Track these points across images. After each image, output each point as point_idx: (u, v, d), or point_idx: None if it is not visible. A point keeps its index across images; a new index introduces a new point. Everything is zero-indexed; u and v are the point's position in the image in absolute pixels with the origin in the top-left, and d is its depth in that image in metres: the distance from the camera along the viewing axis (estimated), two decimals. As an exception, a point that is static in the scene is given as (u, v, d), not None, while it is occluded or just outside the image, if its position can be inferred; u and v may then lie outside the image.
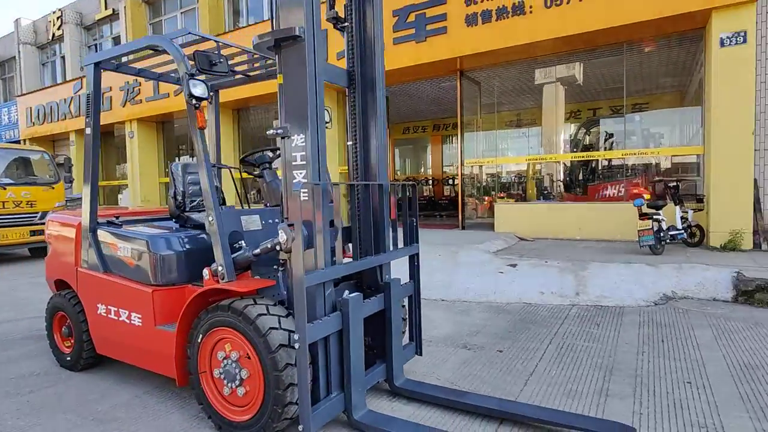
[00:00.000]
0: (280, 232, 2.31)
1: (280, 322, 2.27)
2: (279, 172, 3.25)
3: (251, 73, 3.68)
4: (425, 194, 15.78)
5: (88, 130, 3.19)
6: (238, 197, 4.00)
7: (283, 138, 2.44)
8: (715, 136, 6.55)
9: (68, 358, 3.35)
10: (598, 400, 2.75)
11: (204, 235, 2.96)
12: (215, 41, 2.94)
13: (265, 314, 2.28)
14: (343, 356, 2.43)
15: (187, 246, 2.96)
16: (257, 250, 2.48)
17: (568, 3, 7.34)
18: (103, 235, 3.14)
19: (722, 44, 6.45)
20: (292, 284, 2.41)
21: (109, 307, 3.03)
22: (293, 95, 2.37)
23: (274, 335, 2.22)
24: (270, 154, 3.23)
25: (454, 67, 9.28)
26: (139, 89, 13.52)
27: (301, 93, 2.34)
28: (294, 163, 2.39)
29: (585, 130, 11.12)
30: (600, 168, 9.73)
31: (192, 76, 2.50)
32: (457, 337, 3.95)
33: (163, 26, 14.96)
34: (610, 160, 9.33)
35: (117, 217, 3.35)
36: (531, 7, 7.61)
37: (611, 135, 9.87)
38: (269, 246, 2.41)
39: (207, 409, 2.47)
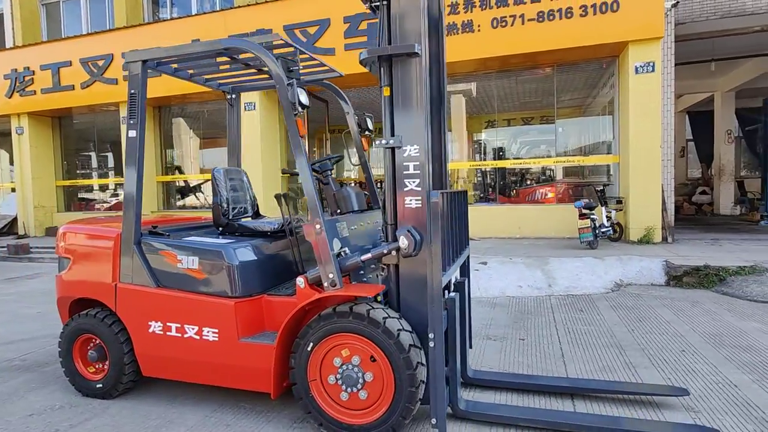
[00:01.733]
0: (401, 237, 2.43)
1: (402, 324, 2.39)
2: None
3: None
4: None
5: (133, 133, 2.91)
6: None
7: (390, 148, 2.55)
8: (632, 148, 7.81)
9: (99, 386, 3.00)
10: (630, 371, 3.27)
11: (260, 242, 2.89)
12: (294, 46, 2.90)
13: (389, 317, 2.38)
14: (448, 352, 2.60)
15: (260, 255, 2.88)
16: (368, 255, 2.54)
17: (512, 25, 8.15)
18: (154, 247, 2.89)
19: (636, 71, 7.71)
20: (396, 287, 2.55)
21: (168, 324, 2.81)
22: (406, 107, 2.49)
23: (404, 336, 2.34)
24: (329, 162, 3.25)
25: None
26: (32, 78, 11.75)
27: (416, 106, 2.48)
28: (406, 172, 2.51)
29: (511, 139, 12.27)
30: (528, 174, 10.86)
31: (292, 84, 2.48)
32: (476, 331, 4.29)
33: (60, 9, 13.16)
34: (544, 167, 10.47)
35: (155, 227, 3.10)
36: (479, 26, 8.30)
37: (528, 144, 11.10)
38: (385, 251, 2.50)
39: (318, 417, 2.47)
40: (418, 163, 2.50)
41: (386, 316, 2.38)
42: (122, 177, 12.85)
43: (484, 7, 8.31)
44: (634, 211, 7.87)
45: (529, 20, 8.06)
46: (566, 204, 8.92)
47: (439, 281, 2.29)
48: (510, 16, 8.17)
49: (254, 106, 10.10)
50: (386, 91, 2.57)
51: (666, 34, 7.58)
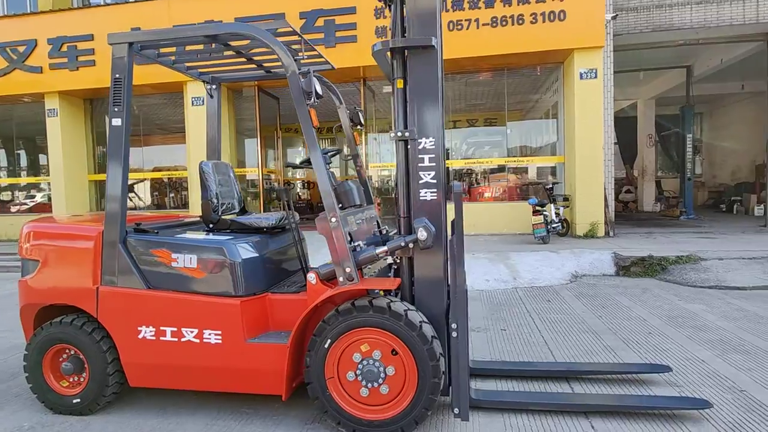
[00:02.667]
0: (419, 230, 2.43)
1: (421, 316, 2.39)
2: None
3: (276, 69, 3.49)
4: (303, 198, 15.65)
5: (118, 122, 2.65)
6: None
7: (402, 141, 2.54)
8: (578, 149, 8.36)
9: (76, 401, 2.71)
10: (610, 354, 3.51)
11: (259, 239, 2.77)
12: (300, 36, 2.79)
13: (410, 309, 2.38)
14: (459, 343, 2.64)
15: (262, 251, 2.75)
16: (384, 249, 2.51)
17: (467, 29, 8.42)
18: (142, 245, 2.66)
19: (581, 77, 8.27)
20: (409, 280, 2.55)
21: (162, 328, 2.60)
22: (420, 100, 2.50)
23: (426, 328, 2.34)
24: (326, 156, 3.16)
25: (358, 75, 9.67)
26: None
27: (431, 98, 2.49)
28: (421, 165, 2.52)
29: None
30: (479, 173, 11.23)
31: (309, 72, 2.40)
32: (457, 324, 4.38)
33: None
34: (495, 167, 10.92)
35: (139, 224, 2.86)
36: (436, 27, 8.49)
37: (478, 145, 11.53)
38: (402, 244, 2.48)
39: (336, 416, 2.40)
40: (433, 155, 2.51)
41: (407, 308, 2.38)
42: (41, 177, 11.71)
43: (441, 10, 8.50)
44: (580, 208, 8.43)
45: (483, 24, 8.36)
46: (516, 202, 9.36)
47: (463, 272, 2.32)
48: (465, 20, 8.44)
49: (203, 101, 9.59)
50: (399, 84, 2.56)
51: (606, 44, 8.19)
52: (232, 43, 2.94)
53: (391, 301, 2.38)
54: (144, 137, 11.48)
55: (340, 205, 3.00)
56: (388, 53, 2.61)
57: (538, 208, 7.89)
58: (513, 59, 8.80)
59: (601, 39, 8.02)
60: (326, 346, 2.39)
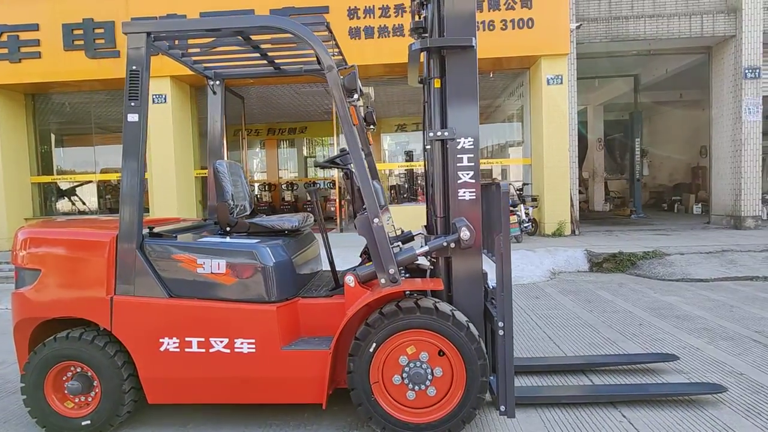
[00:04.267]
0: (462, 229, 2.43)
1: (465, 316, 2.40)
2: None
3: (287, 67, 3.37)
4: (264, 200, 15.20)
5: (133, 117, 2.44)
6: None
7: (439, 140, 2.54)
8: (545, 151, 8.71)
9: (85, 422, 2.46)
10: (614, 345, 3.67)
11: (284, 242, 2.66)
12: (330, 33, 2.69)
13: (455, 309, 2.37)
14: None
15: (292, 255, 2.64)
16: (424, 249, 2.48)
17: (403, 36, 8.50)
18: (162, 251, 2.47)
19: (548, 83, 8.64)
20: (447, 280, 2.55)
21: (187, 339, 2.43)
22: (459, 100, 2.50)
23: (472, 327, 2.34)
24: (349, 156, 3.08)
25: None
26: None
27: (469, 98, 2.50)
28: (459, 165, 2.52)
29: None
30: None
31: (354, 69, 2.34)
32: (458, 323, 4.42)
33: None
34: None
35: (152, 228, 2.65)
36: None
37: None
38: (444, 243, 2.46)
39: (380, 421, 2.34)
40: (471, 155, 2.52)
41: (453, 308, 2.37)
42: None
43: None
44: (548, 208, 8.79)
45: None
46: (487, 202, 9.60)
47: (509, 271, 2.34)
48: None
49: (165, 98, 9.10)
50: (437, 83, 2.55)
51: (570, 51, 8.61)
52: (253, 37, 2.80)
53: (437, 301, 2.36)
54: (96, 136, 10.71)
55: (364, 206, 2.96)
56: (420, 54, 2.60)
57: (511, 208, 8.14)
58: (481, 64, 9.03)
59: (567, 46, 8.42)
60: (371, 350, 2.33)
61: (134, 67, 2.43)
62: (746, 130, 8.83)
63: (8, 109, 9.61)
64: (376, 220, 2.40)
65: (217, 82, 3.39)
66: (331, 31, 2.78)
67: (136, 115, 2.45)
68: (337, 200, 9.91)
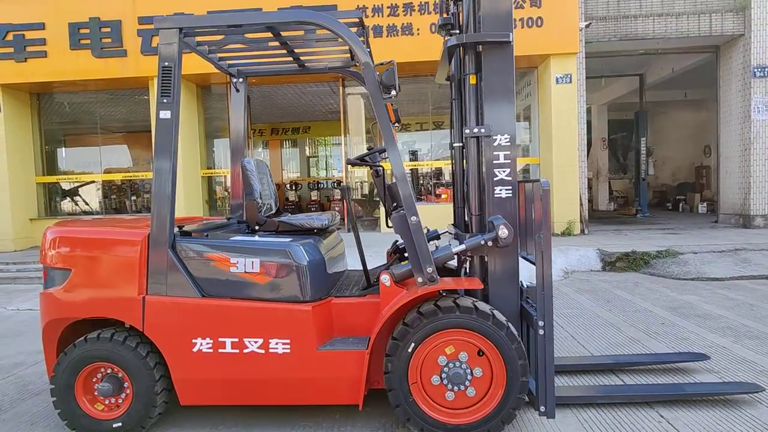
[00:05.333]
0: (500, 227, 2.39)
1: (504, 315, 2.36)
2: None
3: (312, 64, 3.33)
4: (313, 199, 14.90)
5: (165, 114, 2.40)
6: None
7: (474, 137, 2.50)
8: (555, 150, 8.69)
9: (117, 425, 2.42)
10: (639, 345, 3.65)
11: (315, 240, 2.62)
12: (364, 28, 2.65)
13: (494, 309, 2.34)
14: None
15: (325, 254, 2.61)
16: (461, 247, 2.45)
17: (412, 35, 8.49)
18: (194, 250, 2.43)
19: (557, 82, 8.62)
20: (483, 279, 2.52)
21: (221, 339, 2.39)
22: (495, 96, 2.47)
23: (511, 327, 2.31)
24: (378, 154, 3.05)
25: (336, 75, 9.50)
26: None
27: (506, 94, 2.47)
28: (496, 162, 2.48)
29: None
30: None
31: (393, 64, 2.30)
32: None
33: None
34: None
35: (181, 227, 2.61)
36: (419, 30, 8.53)
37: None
38: (482, 242, 2.43)
39: (419, 422, 2.30)
40: (508, 152, 2.49)
41: (491, 307, 2.34)
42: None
43: (422, 12, 8.56)
44: (557, 207, 8.76)
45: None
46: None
47: (550, 269, 2.31)
48: (447, 23, 8.53)
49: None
50: (472, 80, 2.52)
51: (579, 50, 8.59)
52: (283, 33, 2.76)
53: (476, 300, 2.33)
54: (101, 137, 10.64)
55: (395, 204, 2.92)
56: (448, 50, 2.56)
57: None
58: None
59: (576, 45, 8.40)
60: (410, 350, 2.29)
61: (166, 64, 2.39)
62: (755, 129, 8.82)
63: (14, 108, 9.55)
64: (413, 218, 2.36)
65: (240, 80, 3.35)
66: (364, 27, 2.75)
67: (168, 112, 2.41)
68: (346, 199, 9.86)
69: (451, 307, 2.29)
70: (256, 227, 2.84)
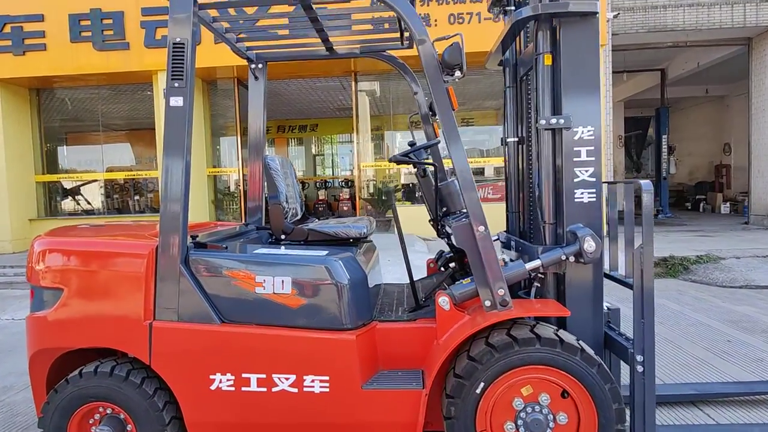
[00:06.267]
0: (586, 239, 1.96)
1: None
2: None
3: (341, 46, 2.89)
4: (320, 198, 14.40)
5: (177, 101, 1.97)
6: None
7: (549, 130, 2.07)
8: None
9: (118, 477, 2.00)
10: (710, 368, 3.20)
11: (352, 254, 2.18)
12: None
13: (580, 340, 1.91)
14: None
15: (366, 271, 2.18)
16: (536, 263, 2.01)
17: (468, 23, 8.06)
18: (212, 265, 2.00)
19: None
20: (562, 299, 2.09)
21: (244, 375, 1.96)
22: (576, 80, 2.03)
23: (603, 364, 1.88)
24: (423, 151, 2.61)
25: (349, 69, 9.08)
26: None
27: (590, 78, 2.04)
28: (576, 159, 2.05)
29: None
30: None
31: (460, 38, 1.87)
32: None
33: None
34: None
35: (195, 237, 2.19)
36: (436, 21, 8.08)
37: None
38: (563, 257, 2.00)
39: (489, 479, 1.88)
40: (592, 148, 2.06)
41: (577, 338, 1.91)
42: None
43: (441, 2, 8.11)
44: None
45: (485, 19, 8.05)
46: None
47: (651, 291, 1.88)
48: (467, 13, 8.10)
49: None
50: (548, 59, 2.08)
51: (606, 43, 8.13)
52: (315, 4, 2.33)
53: (559, 330, 1.90)
54: (103, 134, 10.25)
55: (445, 209, 2.49)
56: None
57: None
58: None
59: (604, 37, 7.93)
60: (478, 391, 1.86)
61: (178, 39, 1.96)
62: (792, 126, 8.36)
63: (12, 104, 9.14)
64: (481, 228, 1.93)
65: (260, 65, 2.92)
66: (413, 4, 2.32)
67: (180, 98, 1.98)
68: (357, 199, 9.42)
69: (530, 339, 1.85)
70: (282, 236, 2.41)
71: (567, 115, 2.04)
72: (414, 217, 9.03)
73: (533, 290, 2.16)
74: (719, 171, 14.48)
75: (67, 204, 10.54)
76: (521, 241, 2.41)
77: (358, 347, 1.95)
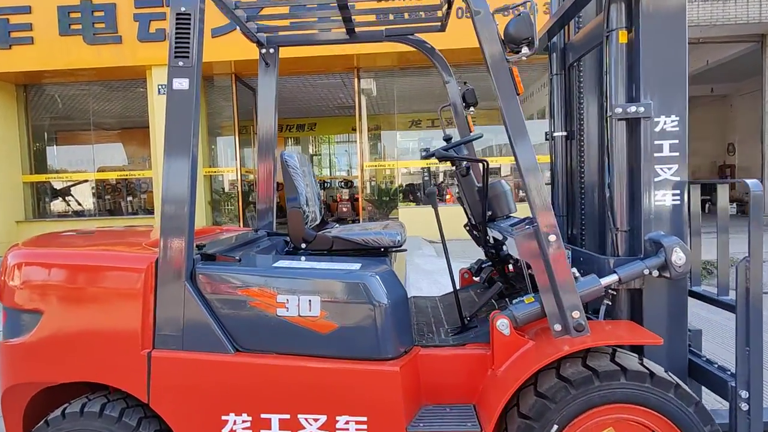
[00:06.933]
0: (675, 250, 1.64)
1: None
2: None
3: (363, 28, 2.56)
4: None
5: (181, 83, 1.63)
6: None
7: (624, 120, 1.75)
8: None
9: None
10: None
11: (387, 266, 1.85)
12: None
13: (668, 371, 1.59)
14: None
15: (402, 284, 1.85)
16: (613, 278, 1.69)
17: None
18: (223, 282, 1.66)
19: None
20: (639, 319, 1.77)
21: (263, 416, 1.62)
22: (660, 60, 1.71)
23: (701, 401, 1.56)
24: (463, 147, 2.28)
25: (351, 65, 8.74)
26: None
27: (675, 58, 1.72)
28: (658, 155, 1.73)
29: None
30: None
31: (527, 6, 1.55)
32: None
33: None
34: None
35: (202, 246, 1.84)
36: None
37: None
38: (646, 271, 1.67)
39: None
40: (676, 141, 1.74)
41: (665, 369, 1.59)
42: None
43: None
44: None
45: (494, 12, 7.72)
46: (521, 203, 8.84)
47: (760, 314, 1.57)
48: (475, 7, 7.77)
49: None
50: (623, 37, 1.76)
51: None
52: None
53: (645, 361, 1.58)
54: (94, 133, 9.84)
55: (490, 213, 2.16)
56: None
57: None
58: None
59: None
60: (550, 435, 1.54)
61: (183, 8, 1.62)
62: (809, 125, 8.13)
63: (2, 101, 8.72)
64: (552, 237, 1.60)
65: (271, 50, 2.58)
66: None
67: (186, 80, 1.63)
68: (360, 200, 9.10)
69: (614, 372, 1.53)
70: (303, 245, 2.06)
71: (647, 103, 1.71)
72: (417, 219, 8.73)
73: (602, 309, 1.83)
74: (723, 171, 14.30)
75: (57, 205, 10.12)
76: (583, 250, 2.08)
77: (402, 380, 1.61)
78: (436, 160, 2.18)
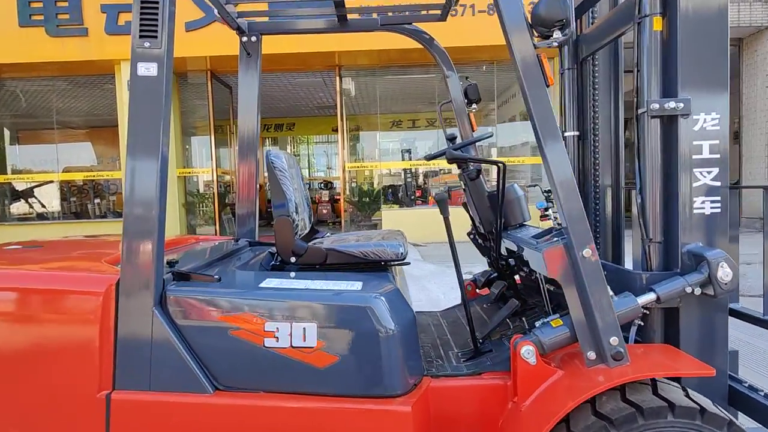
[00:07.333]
0: (720, 265, 1.45)
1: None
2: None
3: (356, 15, 2.32)
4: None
5: (147, 68, 1.35)
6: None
7: (659, 117, 1.56)
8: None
9: None
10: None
11: (391, 284, 1.61)
12: None
13: (716, 404, 1.40)
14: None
15: (411, 308, 1.60)
16: (651, 296, 1.49)
17: (461, 14, 7.59)
18: (199, 307, 1.39)
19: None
20: (675, 341, 1.59)
21: (249, 466, 1.35)
22: (698, 50, 1.52)
23: (753, 436, 1.37)
24: (471, 148, 2.06)
25: (333, 63, 8.46)
26: None
27: (717, 47, 1.53)
28: (696, 157, 1.54)
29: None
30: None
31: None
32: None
33: None
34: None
35: (173, 264, 1.56)
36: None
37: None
38: (688, 289, 1.48)
39: None
40: (717, 142, 1.55)
41: (713, 401, 1.39)
42: None
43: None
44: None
45: (479, 11, 7.58)
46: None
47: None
48: (460, 6, 7.60)
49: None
50: (657, 24, 1.57)
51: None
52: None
53: (692, 394, 1.38)
54: (57, 132, 9.28)
55: (503, 221, 1.94)
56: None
57: (546, 212, 7.27)
58: (504, 52, 8.14)
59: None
60: (589, 483, 1.32)
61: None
62: (786, 128, 8.27)
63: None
64: (587, 251, 1.39)
65: (253, 38, 2.31)
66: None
67: (153, 64, 1.36)
68: (342, 202, 8.82)
69: (660, 408, 1.32)
70: (292, 258, 1.80)
71: (686, 98, 1.52)
72: (401, 221, 8.52)
73: (632, 330, 1.63)
74: (698, 173, 14.57)
75: (18, 207, 9.50)
76: (608, 263, 1.88)
77: (414, 421, 1.37)
78: (420, 162, 1.96)
